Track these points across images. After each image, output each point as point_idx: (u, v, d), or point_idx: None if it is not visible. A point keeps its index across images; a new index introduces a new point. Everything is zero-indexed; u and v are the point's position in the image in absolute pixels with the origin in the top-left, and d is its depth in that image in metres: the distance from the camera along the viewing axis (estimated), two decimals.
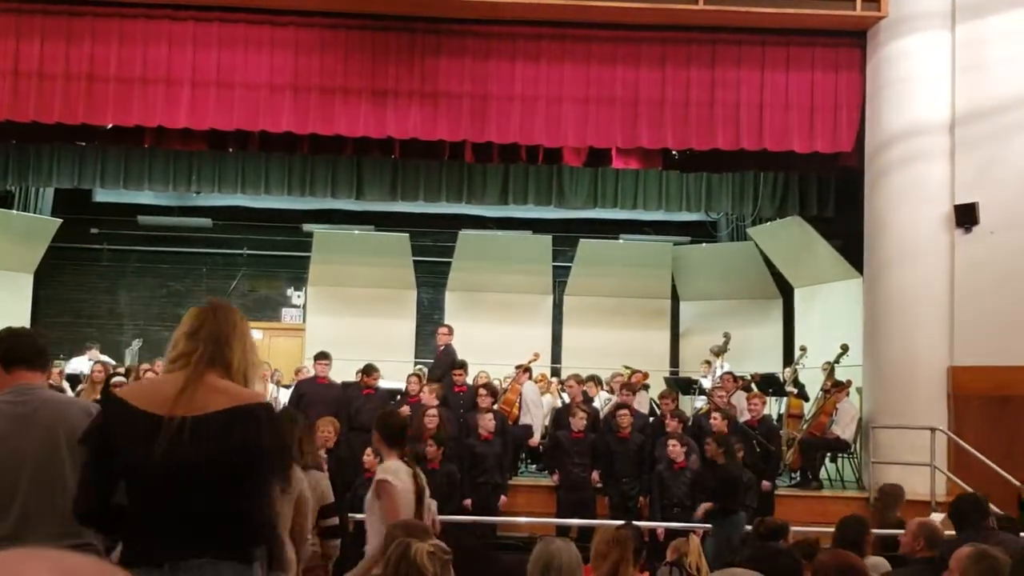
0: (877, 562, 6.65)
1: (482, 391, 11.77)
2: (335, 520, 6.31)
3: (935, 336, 12.49)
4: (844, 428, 13.03)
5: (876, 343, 12.94)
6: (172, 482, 3.07)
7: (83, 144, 15.62)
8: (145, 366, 13.14)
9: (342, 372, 13.87)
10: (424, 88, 13.18)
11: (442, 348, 13.38)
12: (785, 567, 4.56)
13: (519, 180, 17.25)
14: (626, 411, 11.48)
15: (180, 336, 3.37)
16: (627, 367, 15.12)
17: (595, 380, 14.02)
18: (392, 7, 12.96)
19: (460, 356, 13.29)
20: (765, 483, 11.48)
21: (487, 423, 10.95)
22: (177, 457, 3.06)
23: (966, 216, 12.44)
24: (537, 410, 13.14)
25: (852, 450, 13.41)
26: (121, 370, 13.91)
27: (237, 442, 3.10)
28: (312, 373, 12.89)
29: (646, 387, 14.03)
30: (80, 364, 15.44)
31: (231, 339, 3.32)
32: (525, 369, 13.46)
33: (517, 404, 13.03)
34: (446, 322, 15.57)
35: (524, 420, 12.96)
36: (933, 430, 12.00)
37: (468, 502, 10.49)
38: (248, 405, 3.18)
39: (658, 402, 13.08)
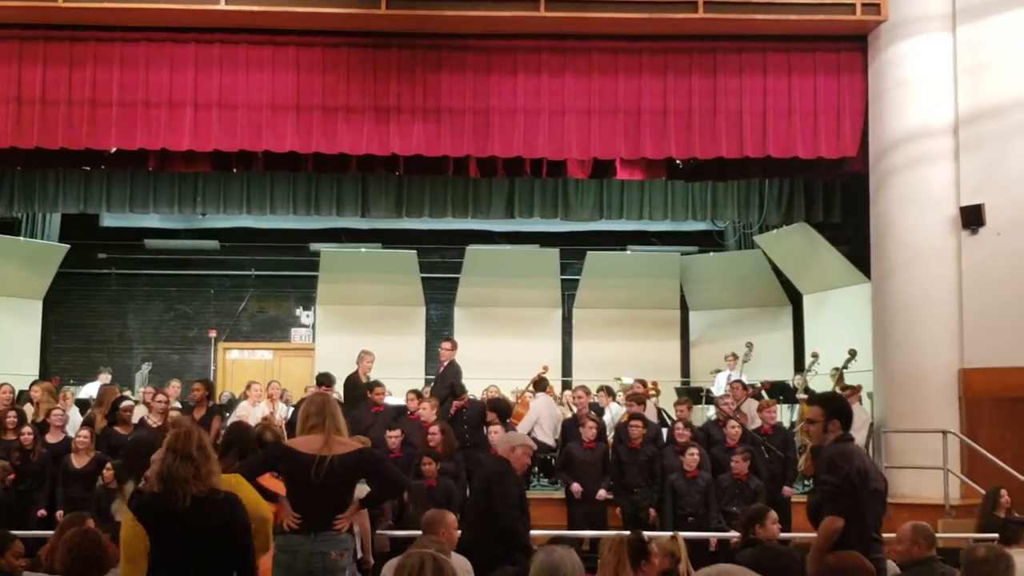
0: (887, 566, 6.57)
1: (491, 414, 11.76)
2: None
3: (944, 339, 12.42)
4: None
5: (885, 347, 12.87)
6: (320, 490, 5.72)
7: (88, 169, 15.65)
8: (152, 390, 13.09)
9: None
10: (426, 104, 13.17)
11: (445, 364, 13.31)
12: (785, 568, 4.50)
13: (524, 194, 17.22)
14: (639, 422, 11.44)
15: (310, 414, 5.96)
16: (618, 379, 15.16)
17: (607, 391, 13.97)
18: (392, 25, 12.96)
19: (470, 371, 13.24)
20: (787, 489, 11.49)
21: (495, 437, 10.89)
22: (324, 477, 5.73)
23: (972, 218, 12.37)
24: (549, 423, 13.07)
25: None
26: (128, 394, 13.92)
27: (364, 470, 6.00)
28: None
29: (651, 397, 13.92)
30: (93, 390, 15.47)
31: (339, 416, 6.01)
32: (537, 381, 13.42)
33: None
34: (455, 337, 15.52)
35: (536, 434, 12.88)
36: (945, 433, 11.93)
37: None
38: (363, 449, 6.17)
39: (667, 412, 13.02)
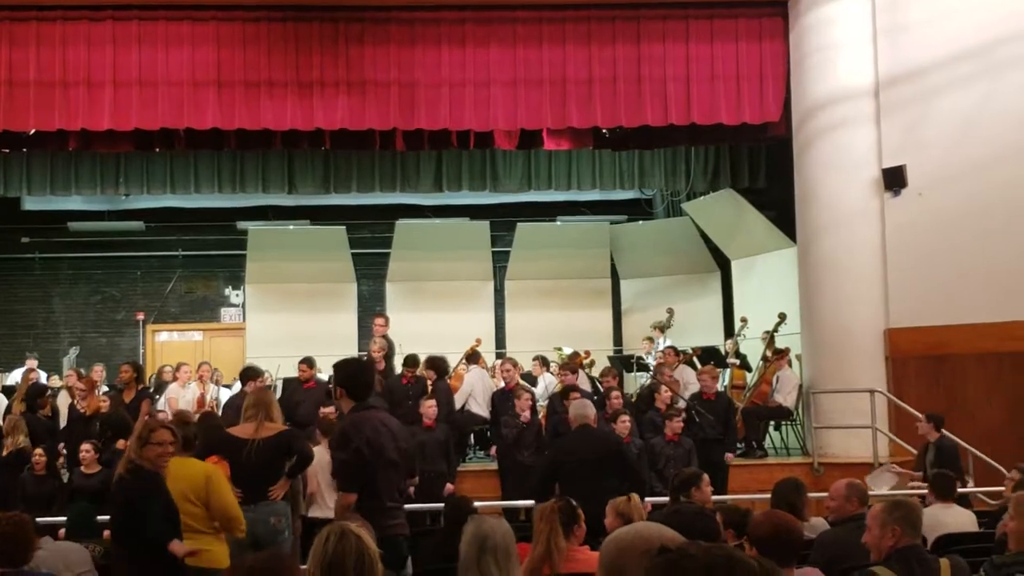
0: (816, 523, 6.69)
1: (428, 372, 11.74)
2: None
3: (870, 299, 12.62)
4: (786, 396, 13.12)
5: (812, 310, 13.04)
6: (254, 467, 6.94)
7: (7, 151, 15.31)
8: (73, 373, 12.90)
9: (285, 369, 13.79)
10: (350, 77, 13.06)
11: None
12: (702, 528, 4.56)
13: (453, 166, 17.16)
14: (576, 394, 11.44)
15: (248, 406, 7.31)
16: (558, 348, 15.18)
17: (542, 360, 13.99)
18: None
19: (403, 346, 13.19)
20: (728, 455, 11.59)
21: (428, 410, 10.90)
22: (256, 456, 6.99)
23: (894, 179, 12.55)
24: (483, 396, 13.06)
25: (795, 417, 13.52)
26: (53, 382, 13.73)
27: (283, 448, 7.18)
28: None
29: (583, 366, 13.96)
30: (20, 376, 15.20)
31: (272, 406, 7.38)
32: (470, 354, 13.40)
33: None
34: (388, 313, 15.47)
35: (471, 406, 12.87)
36: (872, 392, 12.15)
37: (411, 489, 10.42)
38: (284, 431, 7.34)
39: (600, 380, 13.09)
